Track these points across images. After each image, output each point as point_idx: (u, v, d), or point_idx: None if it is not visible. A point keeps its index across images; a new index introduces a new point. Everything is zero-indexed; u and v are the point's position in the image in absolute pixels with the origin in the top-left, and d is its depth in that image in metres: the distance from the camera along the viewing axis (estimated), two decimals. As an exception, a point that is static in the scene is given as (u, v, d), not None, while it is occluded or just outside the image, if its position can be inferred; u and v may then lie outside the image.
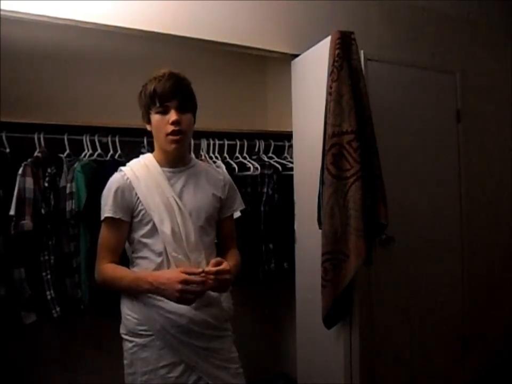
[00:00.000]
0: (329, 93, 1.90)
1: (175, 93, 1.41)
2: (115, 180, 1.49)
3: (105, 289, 1.50)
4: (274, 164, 2.64)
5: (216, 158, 2.51)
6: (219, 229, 1.61)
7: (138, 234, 1.46)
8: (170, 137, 1.42)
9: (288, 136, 2.54)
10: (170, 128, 1.41)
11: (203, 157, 2.45)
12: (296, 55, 2.28)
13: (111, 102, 2.50)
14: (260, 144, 2.69)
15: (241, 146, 2.61)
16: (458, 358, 2.70)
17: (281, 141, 2.74)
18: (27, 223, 1.92)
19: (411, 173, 2.50)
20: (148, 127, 1.51)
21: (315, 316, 1.98)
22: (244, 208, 1.68)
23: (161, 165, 1.50)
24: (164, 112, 1.42)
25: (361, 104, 1.91)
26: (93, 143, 2.25)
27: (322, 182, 1.93)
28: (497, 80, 2.98)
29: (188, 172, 1.53)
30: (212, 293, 1.45)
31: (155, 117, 1.44)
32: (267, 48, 2.20)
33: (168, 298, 1.36)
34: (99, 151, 2.25)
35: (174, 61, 2.64)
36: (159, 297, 1.39)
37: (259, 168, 2.58)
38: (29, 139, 2.10)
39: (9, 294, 1.92)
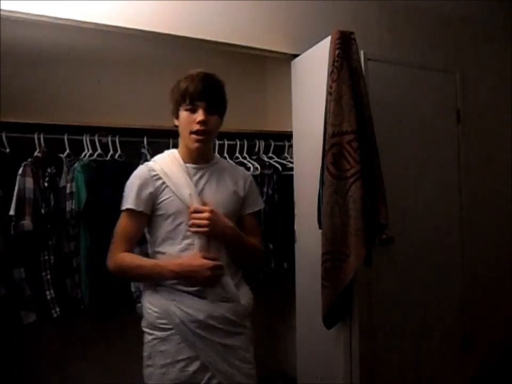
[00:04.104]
0: (329, 93, 1.90)
1: (206, 94, 1.45)
2: (140, 173, 1.52)
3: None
4: (274, 163, 2.64)
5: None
6: (241, 226, 1.62)
7: (159, 228, 1.49)
8: (194, 136, 1.46)
9: (288, 136, 2.54)
10: (196, 127, 1.45)
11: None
12: (296, 55, 2.28)
13: (111, 102, 2.50)
14: (260, 144, 2.69)
15: (241, 146, 2.61)
16: (458, 358, 2.70)
17: (281, 141, 2.73)
18: (27, 223, 1.93)
19: (411, 173, 2.50)
20: (176, 122, 1.54)
21: (315, 316, 1.98)
22: (263, 207, 1.72)
23: (185, 161, 1.54)
24: (193, 110, 1.46)
25: (361, 104, 1.91)
26: (93, 143, 2.25)
27: (322, 182, 1.93)
28: (497, 80, 2.97)
29: (211, 169, 1.57)
30: (230, 288, 1.48)
31: (183, 114, 1.48)
32: (267, 48, 2.20)
33: (194, 284, 1.42)
34: (99, 151, 2.25)
35: (174, 61, 2.66)
36: (177, 292, 1.44)
37: (259, 168, 2.58)
38: (29, 139, 2.10)
39: (9, 294, 1.92)
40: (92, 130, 2.24)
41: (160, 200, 1.48)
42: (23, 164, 1.98)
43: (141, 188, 1.47)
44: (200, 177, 1.53)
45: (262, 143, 2.69)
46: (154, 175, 1.49)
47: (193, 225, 1.45)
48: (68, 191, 2.08)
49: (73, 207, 2.07)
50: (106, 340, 2.39)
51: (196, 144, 1.48)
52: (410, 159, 2.49)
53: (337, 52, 1.88)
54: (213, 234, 1.47)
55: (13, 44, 2.20)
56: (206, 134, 1.47)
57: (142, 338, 2.61)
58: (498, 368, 2.83)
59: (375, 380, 2.29)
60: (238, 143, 2.60)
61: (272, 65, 2.95)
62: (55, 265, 2.04)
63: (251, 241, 1.60)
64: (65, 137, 2.19)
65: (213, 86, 1.50)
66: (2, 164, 2.00)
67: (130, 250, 1.50)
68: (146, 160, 2.27)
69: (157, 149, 2.36)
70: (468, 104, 2.75)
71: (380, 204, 1.94)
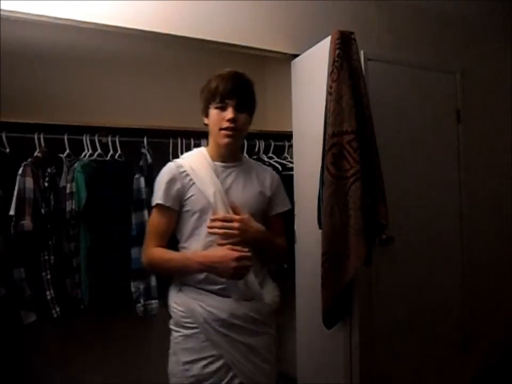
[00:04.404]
0: (329, 93, 1.90)
1: (235, 92, 1.49)
2: (168, 169, 1.55)
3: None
4: (274, 164, 2.64)
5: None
6: (268, 227, 1.63)
7: (185, 224, 1.53)
8: (224, 131, 1.49)
9: (288, 136, 2.53)
10: (226, 124, 1.48)
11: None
12: (296, 55, 2.27)
13: (111, 102, 2.50)
14: (260, 144, 2.69)
15: (241, 146, 2.61)
16: (458, 358, 2.70)
17: (281, 141, 2.73)
18: (27, 223, 1.92)
19: (411, 173, 2.50)
20: (205, 120, 1.57)
21: (315, 316, 1.98)
22: (290, 208, 1.73)
23: (214, 159, 1.56)
24: (222, 108, 1.49)
25: (361, 104, 1.91)
26: (93, 143, 2.25)
27: (322, 182, 1.93)
28: (497, 80, 2.97)
29: (238, 168, 1.59)
30: (254, 286, 1.49)
31: (213, 112, 1.51)
32: (267, 48, 2.20)
33: (221, 276, 1.43)
34: (99, 151, 2.25)
35: (174, 61, 2.66)
36: (201, 291, 1.48)
37: (259, 168, 2.57)
38: (29, 139, 2.10)
39: (9, 294, 1.92)
40: (92, 130, 2.24)
41: (187, 197, 1.51)
42: (23, 164, 1.98)
43: (169, 184, 1.51)
44: (227, 176, 1.56)
45: (262, 143, 2.69)
46: (182, 172, 1.52)
47: (224, 234, 1.46)
48: (67, 191, 2.08)
49: (73, 207, 2.07)
50: (106, 339, 2.39)
51: (226, 140, 1.50)
52: (410, 159, 2.49)
53: (337, 52, 1.87)
54: (243, 242, 1.48)
55: (13, 44, 2.20)
56: (235, 131, 1.50)
57: (141, 338, 2.62)
58: (498, 368, 2.83)
59: (375, 380, 2.28)
60: (238, 143, 2.60)
61: (272, 65, 2.95)
62: (55, 265, 2.04)
63: (279, 242, 1.64)
64: (65, 137, 2.19)
65: (242, 84, 1.53)
66: (2, 163, 2.00)
67: (162, 245, 1.53)
68: (146, 160, 2.29)
69: (157, 149, 2.38)
70: (468, 104, 2.74)
71: (380, 203, 1.93)
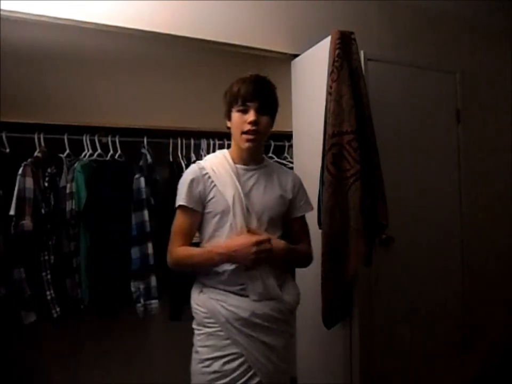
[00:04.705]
0: (329, 93, 1.90)
1: (257, 95, 1.50)
2: (191, 171, 1.56)
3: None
4: (274, 164, 2.63)
5: (216, 158, 2.50)
6: (290, 229, 1.65)
7: (207, 225, 1.55)
8: (246, 135, 1.50)
9: (288, 136, 2.54)
10: (247, 127, 1.49)
11: (203, 157, 2.45)
12: (296, 55, 2.28)
13: (111, 102, 2.50)
14: (260, 144, 2.68)
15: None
16: (458, 358, 2.70)
17: (281, 141, 2.73)
18: (27, 223, 1.92)
19: (411, 173, 2.50)
20: (228, 124, 1.58)
21: (315, 316, 1.98)
22: (312, 210, 1.73)
23: (235, 162, 1.58)
24: (244, 111, 1.50)
25: (361, 104, 1.91)
26: (93, 143, 2.25)
27: (322, 182, 1.93)
28: (497, 80, 2.97)
29: (260, 171, 1.60)
30: (273, 289, 1.51)
31: (235, 115, 1.52)
32: (267, 48, 2.21)
33: (242, 263, 1.45)
34: (99, 151, 2.25)
35: (174, 61, 2.66)
36: (222, 291, 1.49)
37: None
38: (29, 139, 2.10)
39: (9, 294, 1.92)
40: (92, 130, 2.24)
41: (208, 199, 1.53)
42: (23, 164, 1.98)
43: (192, 185, 1.52)
44: (248, 179, 1.57)
45: (262, 143, 2.69)
46: (205, 174, 1.54)
47: (265, 258, 1.46)
48: (67, 191, 2.08)
49: (73, 207, 2.07)
50: (106, 339, 2.39)
51: (247, 144, 1.51)
52: (410, 159, 2.49)
53: (337, 52, 1.88)
54: (269, 262, 1.51)
55: (13, 44, 2.20)
56: (257, 133, 1.50)
57: (141, 338, 2.62)
58: (498, 368, 2.83)
59: (375, 380, 2.28)
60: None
61: (272, 65, 2.94)
62: (55, 265, 2.04)
63: (302, 249, 1.64)
64: (65, 137, 2.19)
65: (264, 87, 1.54)
66: (2, 163, 2.00)
67: (186, 245, 1.54)
68: (146, 160, 2.29)
69: (157, 149, 2.38)
70: (467, 104, 2.74)
71: (380, 204, 1.94)
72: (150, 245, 2.17)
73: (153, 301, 2.17)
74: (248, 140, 1.50)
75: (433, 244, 2.58)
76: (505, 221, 2.99)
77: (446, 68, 2.71)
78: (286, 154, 2.74)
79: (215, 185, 1.52)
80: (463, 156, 2.73)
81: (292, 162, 2.51)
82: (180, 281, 2.25)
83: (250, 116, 1.49)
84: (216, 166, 1.56)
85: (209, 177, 1.53)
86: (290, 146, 2.60)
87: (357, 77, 1.91)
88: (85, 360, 2.37)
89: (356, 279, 1.94)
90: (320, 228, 1.95)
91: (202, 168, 1.55)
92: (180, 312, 2.30)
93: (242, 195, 1.51)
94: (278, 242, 1.54)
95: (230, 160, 1.57)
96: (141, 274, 2.15)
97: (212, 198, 1.52)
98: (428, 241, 2.55)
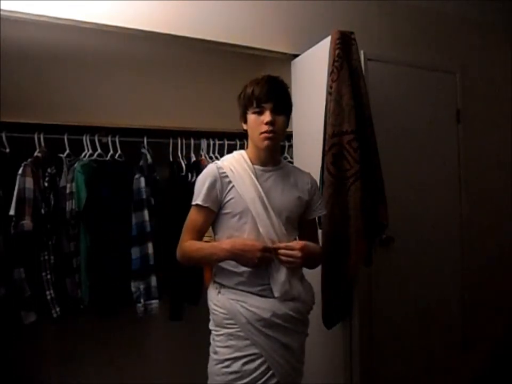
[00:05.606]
0: (329, 93, 1.90)
1: (271, 96, 1.50)
2: (209, 171, 1.56)
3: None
4: (274, 164, 2.63)
5: (216, 158, 2.50)
6: (303, 229, 1.65)
7: (223, 225, 1.55)
8: (263, 135, 1.51)
9: (288, 136, 2.53)
10: (264, 128, 1.50)
11: (203, 157, 2.45)
12: (296, 55, 2.28)
13: (111, 102, 2.50)
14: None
15: (241, 146, 2.59)
16: (458, 358, 2.70)
17: (281, 141, 2.73)
18: (27, 223, 1.92)
19: (411, 173, 2.50)
20: (244, 126, 1.59)
21: (315, 316, 1.98)
22: (324, 213, 1.74)
23: (253, 163, 1.57)
24: (260, 113, 1.51)
25: (361, 104, 1.91)
26: (93, 143, 2.24)
27: (322, 182, 1.93)
28: (497, 80, 2.98)
29: (277, 172, 1.60)
30: (296, 286, 1.52)
31: (251, 117, 1.53)
32: (267, 48, 2.21)
33: (244, 263, 1.46)
34: (99, 151, 2.25)
35: (174, 61, 2.66)
36: (241, 292, 1.49)
37: (259, 168, 2.57)
38: (29, 139, 2.09)
39: (9, 294, 1.92)
40: (92, 130, 2.24)
41: (227, 199, 1.52)
42: (23, 164, 1.98)
43: (210, 185, 1.52)
44: (266, 180, 1.56)
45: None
46: (222, 174, 1.53)
47: (287, 262, 1.48)
48: (67, 191, 2.08)
49: (73, 207, 2.07)
50: (106, 339, 2.39)
51: (266, 142, 1.51)
52: (410, 159, 2.49)
53: (337, 52, 1.88)
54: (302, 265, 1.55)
55: (13, 44, 2.20)
56: (273, 133, 1.51)
57: (141, 338, 2.61)
58: (498, 368, 2.83)
59: (375, 380, 2.29)
60: (238, 143, 2.59)
61: (272, 65, 2.95)
62: (55, 265, 2.04)
63: (320, 250, 1.67)
64: (65, 137, 2.19)
65: (277, 87, 1.54)
66: (2, 163, 2.00)
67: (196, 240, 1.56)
68: (146, 160, 2.29)
69: (157, 149, 2.38)
70: (467, 104, 2.75)
71: (379, 204, 1.94)
72: (150, 245, 2.17)
73: (153, 301, 2.17)
74: (266, 138, 1.50)
75: (433, 244, 2.58)
76: (505, 221, 3.00)
77: (446, 68, 2.71)
78: (286, 154, 2.73)
79: (233, 186, 1.52)
80: (463, 155, 2.73)
81: (291, 163, 2.51)
82: (180, 281, 2.26)
83: (266, 117, 1.49)
84: (234, 166, 1.55)
85: (227, 176, 1.53)
86: (290, 146, 2.60)
87: (357, 77, 1.91)
88: (84, 360, 2.36)
89: (356, 279, 1.94)
90: (320, 228, 1.95)
91: (220, 168, 1.54)
92: (180, 312, 2.30)
93: (263, 196, 1.52)
94: (314, 247, 1.57)
95: (248, 161, 1.57)
96: (141, 274, 2.15)
97: (230, 199, 1.52)
98: (428, 241, 2.55)
